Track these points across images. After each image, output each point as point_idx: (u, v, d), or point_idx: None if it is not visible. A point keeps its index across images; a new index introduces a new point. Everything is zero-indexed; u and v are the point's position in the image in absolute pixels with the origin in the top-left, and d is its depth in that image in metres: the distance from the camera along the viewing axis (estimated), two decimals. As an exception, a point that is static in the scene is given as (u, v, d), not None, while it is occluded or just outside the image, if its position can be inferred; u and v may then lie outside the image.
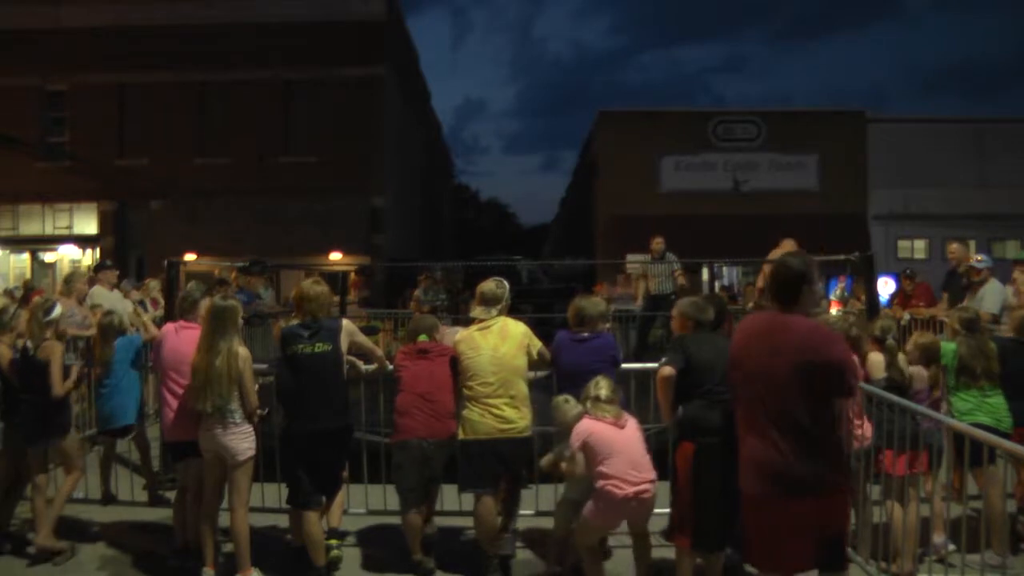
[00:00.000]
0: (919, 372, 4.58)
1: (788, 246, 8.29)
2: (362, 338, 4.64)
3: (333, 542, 4.46)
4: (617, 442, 3.77)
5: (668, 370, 3.79)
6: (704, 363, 3.79)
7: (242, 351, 4.17)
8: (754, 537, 3.03)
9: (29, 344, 4.63)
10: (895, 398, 4.09)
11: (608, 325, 4.65)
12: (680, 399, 3.83)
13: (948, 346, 4.78)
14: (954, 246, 8.46)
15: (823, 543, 2.90)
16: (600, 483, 3.73)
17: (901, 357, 4.59)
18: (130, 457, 6.13)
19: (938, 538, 4.38)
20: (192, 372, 4.15)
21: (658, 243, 9.80)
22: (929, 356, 4.66)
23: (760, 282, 8.00)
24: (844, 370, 2.93)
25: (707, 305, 4.22)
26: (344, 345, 4.33)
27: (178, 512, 4.56)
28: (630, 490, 3.69)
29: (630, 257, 10.78)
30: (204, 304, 4.48)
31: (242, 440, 4.16)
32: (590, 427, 3.81)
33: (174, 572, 4.44)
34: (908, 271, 9.76)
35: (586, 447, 3.79)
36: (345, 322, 4.53)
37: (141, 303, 9.10)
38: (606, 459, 3.73)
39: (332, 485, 4.42)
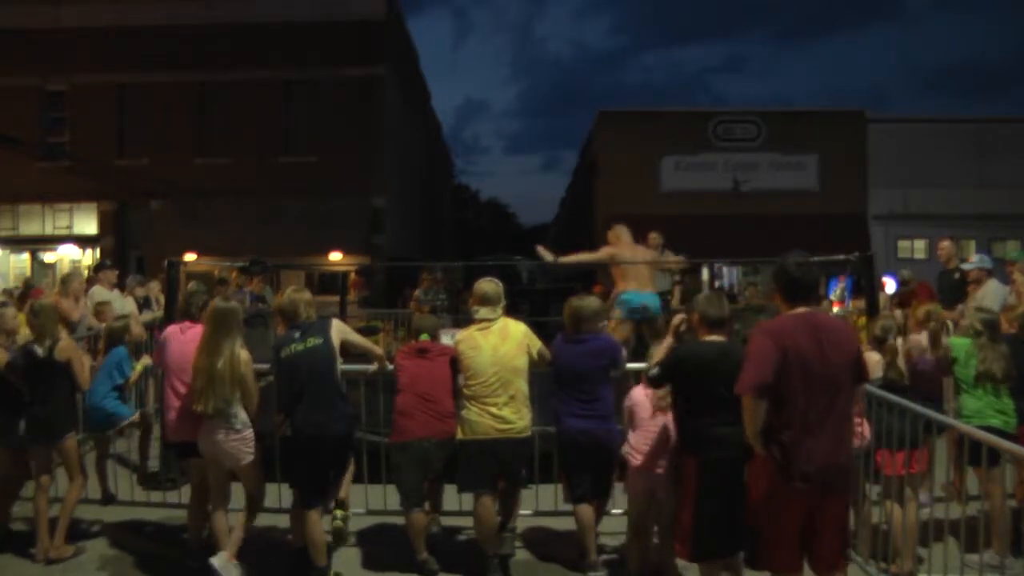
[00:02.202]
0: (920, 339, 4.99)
1: (621, 233, 7.48)
2: (356, 337, 4.61)
3: (339, 512, 4.49)
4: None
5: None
6: (704, 372, 3.65)
7: (243, 354, 4.18)
8: (788, 538, 3.05)
9: (38, 347, 4.61)
10: (893, 397, 4.09)
11: (605, 324, 4.60)
12: (684, 408, 3.75)
13: (961, 342, 4.76)
14: (944, 243, 8.45)
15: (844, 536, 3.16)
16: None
17: (900, 359, 4.59)
18: (129, 457, 6.14)
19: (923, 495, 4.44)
20: (193, 373, 4.15)
21: (655, 237, 9.57)
22: (926, 320, 5.18)
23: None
24: (863, 361, 3.23)
25: (722, 301, 4.14)
26: (336, 340, 4.30)
27: (192, 513, 4.57)
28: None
29: None
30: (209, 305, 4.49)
31: (242, 445, 4.17)
32: (635, 396, 4.21)
33: (176, 572, 4.45)
34: (903, 270, 9.73)
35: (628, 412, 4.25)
36: (335, 320, 4.51)
37: (146, 301, 9.11)
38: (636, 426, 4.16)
39: (338, 475, 4.43)
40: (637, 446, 4.06)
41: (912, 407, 4.05)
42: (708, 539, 3.58)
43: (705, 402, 3.60)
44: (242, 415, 4.17)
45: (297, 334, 4.24)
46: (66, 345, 4.68)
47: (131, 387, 5.64)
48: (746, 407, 3.10)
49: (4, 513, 4.87)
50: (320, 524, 4.26)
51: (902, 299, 9.26)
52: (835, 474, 3.03)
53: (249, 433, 4.20)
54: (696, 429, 3.64)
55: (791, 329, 3.09)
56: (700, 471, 3.58)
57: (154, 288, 9.59)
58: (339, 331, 4.36)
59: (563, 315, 4.48)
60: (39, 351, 4.58)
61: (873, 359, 4.49)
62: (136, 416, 5.61)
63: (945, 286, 8.01)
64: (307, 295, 4.41)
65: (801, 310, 3.14)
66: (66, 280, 7.89)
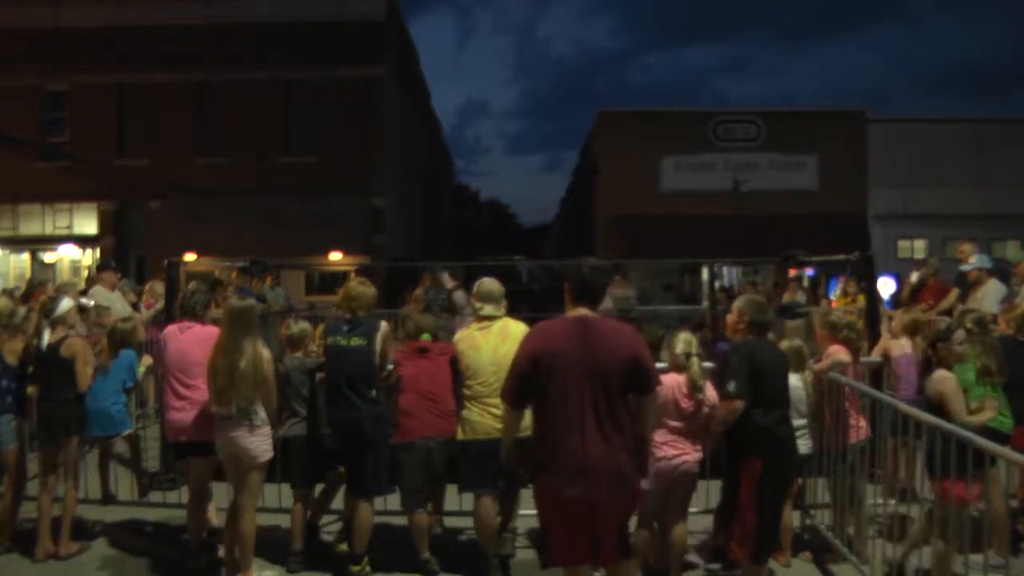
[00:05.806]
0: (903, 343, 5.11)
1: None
2: (390, 348, 4.58)
3: (355, 568, 4.32)
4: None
5: (740, 405, 3.63)
6: (766, 371, 3.69)
7: (266, 353, 4.17)
8: (573, 535, 3.08)
9: (43, 343, 4.62)
10: (884, 397, 4.03)
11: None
12: (750, 407, 3.68)
13: None
14: (965, 247, 8.28)
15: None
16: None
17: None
18: (128, 457, 6.12)
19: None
20: (213, 374, 4.11)
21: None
22: (913, 330, 5.32)
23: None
24: (646, 369, 3.13)
25: (768, 306, 4.07)
26: (379, 344, 4.32)
27: (192, 513, 4.56)
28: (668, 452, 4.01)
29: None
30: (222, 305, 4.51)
31: (263, 441, 4.16)
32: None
33: (176, 572, 4.45)
34: (927, 264, 9.42)
35: None
36: (384, 324, 4.52)
37: (135, 307, 9.09)
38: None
39: (357, 482, 4.36)
40: (661, 439, 4.00)
41: (906, 408, 3.99)
42: (770, 539, 3.66)
43: (769, 401, 3.66)
44: (262, 413, 4.16)
45: (345, 328, 4.31)
46: (73, 342, 4.67)
47: (137, 388, 5.63)
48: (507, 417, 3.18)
49: (13, 515, 4.83)
50: (367, 512, 4.32)
51: (914, 294, 9.09)
52: (620, 476, 3.07)
53: (268, 430, 4.21)
54: (760, 430, 3.64)
55: (557, 330, 3.19)
56: (763, 472, 3.60)
57: (158, 288, 9.58)
58: (384, 337, 4.36)
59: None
60: (41, 349, 4.61)
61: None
62: (131, 431, 5.58)
63: (966, 287, 7.97)
64: (362, 289, 4.42)
65: (580, 312, 3.23)
66: (65, 285, 7.94)
